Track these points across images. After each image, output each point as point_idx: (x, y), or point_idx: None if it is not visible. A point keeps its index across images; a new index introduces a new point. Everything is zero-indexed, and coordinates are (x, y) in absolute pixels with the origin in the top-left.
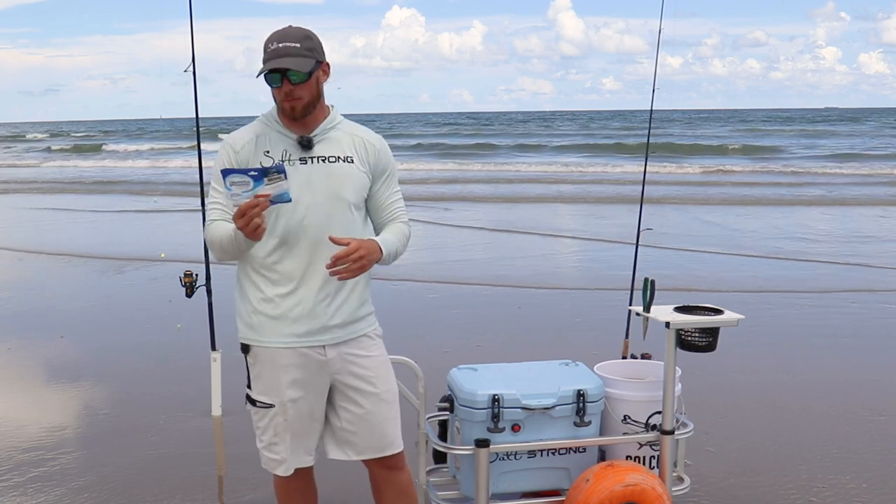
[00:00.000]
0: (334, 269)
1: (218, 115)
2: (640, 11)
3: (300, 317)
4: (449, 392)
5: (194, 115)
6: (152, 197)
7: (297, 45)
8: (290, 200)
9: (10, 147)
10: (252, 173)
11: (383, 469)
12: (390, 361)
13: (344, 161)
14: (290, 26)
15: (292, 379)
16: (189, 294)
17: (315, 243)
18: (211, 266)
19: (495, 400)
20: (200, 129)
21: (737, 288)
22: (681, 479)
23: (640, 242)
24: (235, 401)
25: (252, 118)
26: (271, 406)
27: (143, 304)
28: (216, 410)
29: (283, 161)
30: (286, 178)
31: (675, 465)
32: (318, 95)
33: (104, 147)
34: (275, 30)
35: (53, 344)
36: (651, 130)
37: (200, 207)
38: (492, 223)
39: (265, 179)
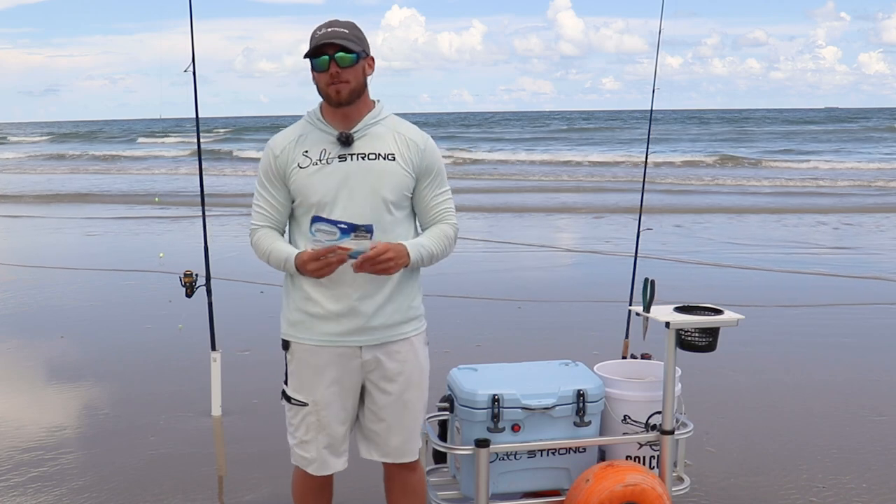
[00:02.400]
0: (360, 268)
1: (218, 115)
2: (639, 11)
3: (340, 316)
4: (449, 392)
5: (194, 115)
6: (154, 197)
7: (346, 31)
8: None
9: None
10: (342, 226)
11: (395, 467)
12: (427, 369)
13: (385, 158)
14: (336, 19)
15: (328, 378)
16: (189, 294)
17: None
18: (211, 266)
19: (495, 400)
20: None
21: (737, 288)
22: (681, 479)
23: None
24: (235, 401)
25: (252, 118)
26: (305, 404)
27: (143, 305)
28: (216, 410)
29: (321, 160)
30: (371, 237)
31: (675, 465)
32: (363, 87)
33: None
34: (319, 24)
35: (53, 344)
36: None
37: (200, 207)
38: (493, 213)
39: (352, 235)
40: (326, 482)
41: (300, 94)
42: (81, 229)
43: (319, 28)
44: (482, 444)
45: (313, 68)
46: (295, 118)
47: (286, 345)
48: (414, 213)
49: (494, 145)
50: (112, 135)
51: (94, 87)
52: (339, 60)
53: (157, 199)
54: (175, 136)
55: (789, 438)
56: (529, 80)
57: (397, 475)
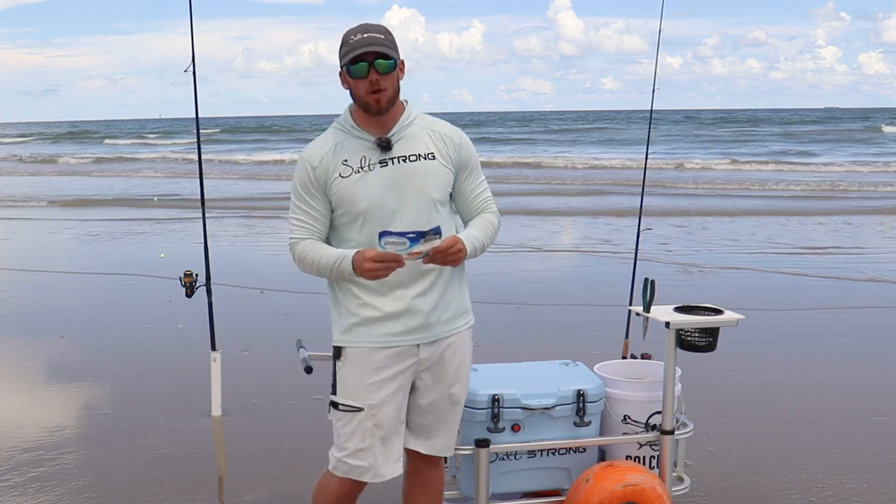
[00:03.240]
0: (432, 260)
1: (218, 115)
2: (639, 11)
3: (397, 316)
4: None
5: (194, 116)
6: (153, 196)
7: (382, 36)
8: (428, 254)
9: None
10: (410, 235)
11: (422, 461)
12: (471, 362)
13: (426, 158)
14: (367, 23)
15: (385, 379)
16: (189, 294)
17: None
18: (211, 266)
19: (495, 400)
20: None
21: (737, 287)
22: (681, 479)
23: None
24: (235, 401)
25: (251, 118)
26: (359, 410)
27: (143, 305)
28: (216, 410)
29: (362, 168)
30: (441, 237)
31: (675, 465)
32: (398, 92)
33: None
34: (350, 28)
35: (53, 344)
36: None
37: (200, 208)
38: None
39: (422, 240)
40: (360, 492)
41: (300, 94)
42: (80, 231)
43: (354, 33)
44: (482, 444)
45: (352, 75)
46: (295, 118)
47: (338, 352)
48: (452, 208)
49: (494, 145)
50: (101, 135)
51: (94, 87)
52: (378, 67)
53: (155, 198)
54: (164, 139)
55: (789, 438)
56: (529, 80)
57: (422, 470)
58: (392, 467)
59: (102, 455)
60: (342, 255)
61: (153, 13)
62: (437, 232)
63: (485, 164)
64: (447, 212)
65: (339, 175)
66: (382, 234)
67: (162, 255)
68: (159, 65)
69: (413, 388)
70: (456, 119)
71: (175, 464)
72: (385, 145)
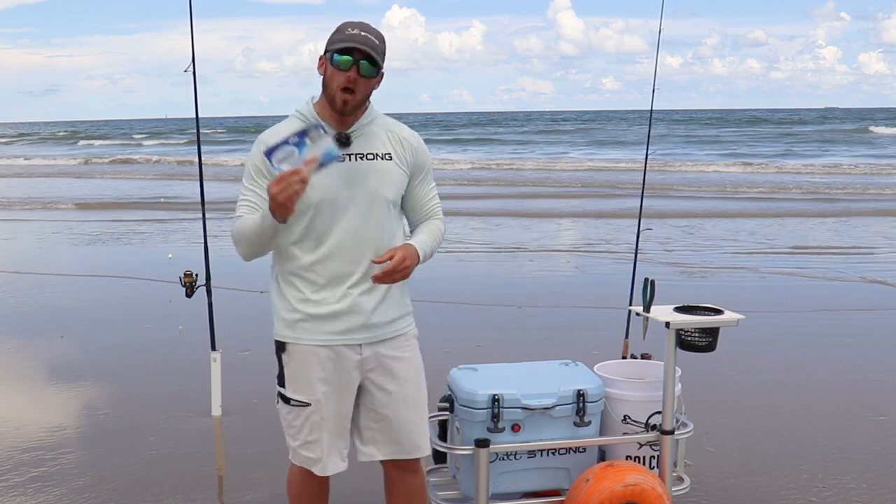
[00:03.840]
0: (381, 280)
1: (218, 115)
2: (639, 11)
3: (340, 315)
4: (449, 392)
5: (194, 116)
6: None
7: (377, 42)
8: (339, 156)
9: None
10: (293, 140)
11: (397, 469)
12: (422, 364)
13: (383, 158)
14: (368, 23)
15: (326, 376)
16: (189, 294)
17: (354, 242)
18: (211, 266)
19: (495, 400)
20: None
21: (737, 287)
22: (681, 479)
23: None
24: (235, 401)
25: (251, 118)
26: (307, 405)
27: (143, 305)
28: (216, 410)
29: None
30: (325, 132)
31: (675, 465)
32: (367, 99)
33: None
34: (350, 20)
35: (53, 344)
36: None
37: (200, 208)
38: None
39: (307, 141)
40: (325, 483)
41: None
42: (78, 233)
43: (352, 27)
44: (482, 444)
45: (333, 63)
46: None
47: (281, 347)
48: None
49: (494, 147)
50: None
51: (94, 87)
52: (361, 69)
53: (162, 199)
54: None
55: (789, 438)
56: (529, 80)
57: (398, 477)
58: (336, 463)
59: (102, 455)
60: (262, 213)
61: (153, 13)
62: (318, 126)
63: (486, 164)
64: (397, 213)
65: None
66: (268, 154)
67: (170, 256)
68: (159, 65)
69: (363, 391)
70: (456, 119)
71: (175, 464)
72: (344, 141)
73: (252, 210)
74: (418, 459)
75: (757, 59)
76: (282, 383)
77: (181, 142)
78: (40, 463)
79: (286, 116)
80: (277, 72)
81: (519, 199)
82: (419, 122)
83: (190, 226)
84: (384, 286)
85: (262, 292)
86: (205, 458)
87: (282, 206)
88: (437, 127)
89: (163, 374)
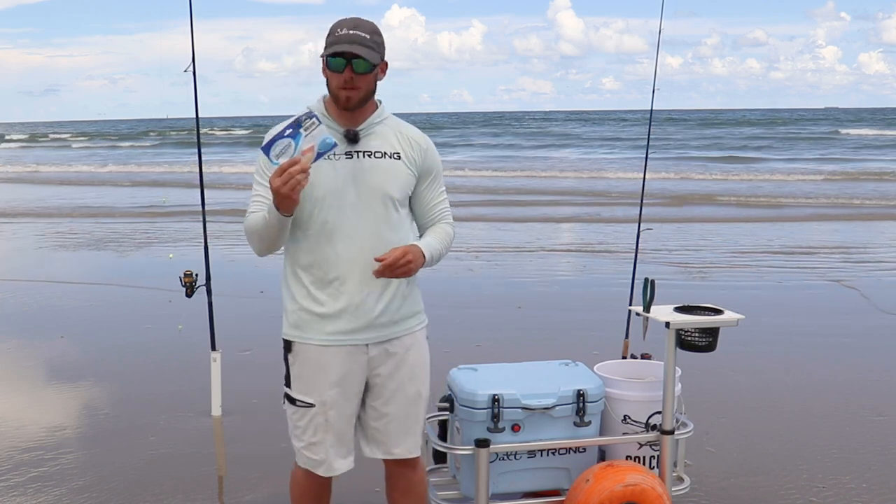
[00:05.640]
0: (381, 274)
1: (218, 115)
2: (639, 11)
3: (346, 314)
4: (449, 392)
5: (194, 116)
6: (162, 198)
7: (368, 36)
8: (335, 145)
9: None
10: (287, 132)
11: (399, 466)
12: (429, 364)
13: (391, 157)
14: (359, 18)
15: (334, 378)
16: (189, 294)
17: (360, 240)
18: (211, 266)
19: (495, 400)
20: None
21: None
22: (681, 479)
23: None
24: (235, 401)
25: (251, 118)
26: (311, 406)
27: (143, 304)
28: (216, 410)
29: (327, 156)
30: (319, 122)
31: (675, 465)
32: (373, 91)
33: None
34: (341, 18)
35: (53, 344)
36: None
37: (201, 209)
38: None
39: (302, 131)
40: (327, 484)
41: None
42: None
43: (341, 26)
44: (482, 444)
45: (328, 67)
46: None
47: (289, 346)
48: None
49: (494, 147)
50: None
51: (94, 87)
52: (355, 67)
53: (164, 199)
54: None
55: (789, 438)
56: (529, 80)
57: (399, 474)
58: (343, 462)
59: (102, 455)
60: (268, 207)
61: (153, 13)
62: (310, 116)
63: (485, 165)
64: (406, 213)
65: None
66: (265, 149)
67: (170, 256)
68: (159, 65)
69: (368, 389)
70: (457, 119)
71: (175, 464)
72: (352, 138)
73: (261, 207)
74: (418, 457)
75: (757, 59)
76: (288, 384)
77: (147, 144)
78: (40, 463)
79: (286, 117)
80: (277, 72)
81: (519, 198)
82: (419, 121)
83: (189, 227)
84: (391, 285)
85: (262, 291)
86: (205, 458)
87: (285, 199)
88: (438, 126)
89: (163, 374)
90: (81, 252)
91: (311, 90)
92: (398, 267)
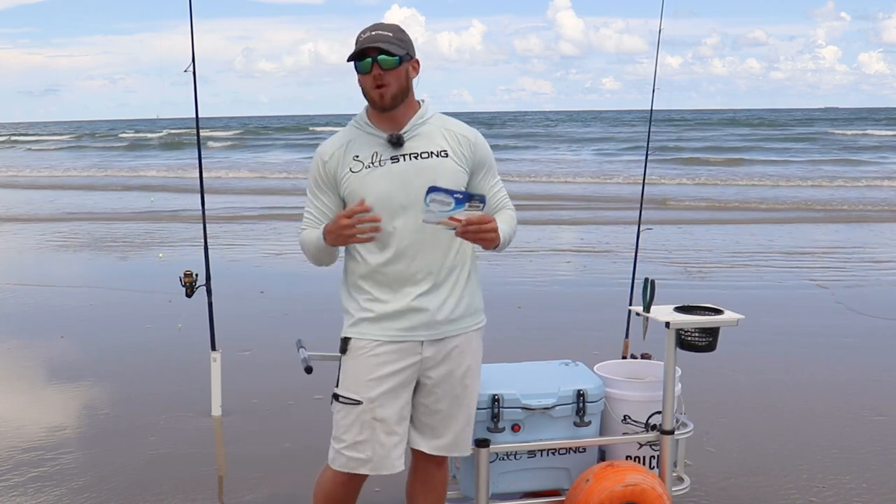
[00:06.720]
0: (464, 233)
1: (218, 115)
2: (639, 11)
3: (406, 312)
4: None
5: (194, 116)
6: (150, 197)
7: (390, 34)
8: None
9: None
10: (457, 196)
11: (426, 461)
12: (479, 364)
13: (438, 156)
14: (381, 22)
15: (385, 374)
16: (189, 294)
17: (417, 241)
18: (211, 266)
19: (495, 400)
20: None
21: (736, 286)
22: (681, 479)
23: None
24: (235, 401)
25: (251, 118)
26: (358, 402)
27: (143, 304)
28: (216, 410)
29: (373, 163)
30: (483, 208)
31: (675, 465)
32: (408, 89)
33: None
34: (363, 28)
35: (53, 344)
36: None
37: (201, 209)
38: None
39: (466, 205)
40: (357, 488)
41: (300, 94)
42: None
43: (364, 31)
44: (482, 444)
45: (357, 71)
46: (295, 118)
47: (345, 344)
48: None
49: (493, 147)
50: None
51: (94, 87)
52: (381, 63)
53: (151, 199)
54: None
55: (789, 438)
56: (529, 80)
57: (426, 469)
58: (393, 463)
59: (102, 455)
60: (319, 232)
61: (153, 13)
62: (482, 201)
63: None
64: None
65: (350, 170)
66: (430, 191)
67: (160, 256)
68: (159, 65)
69: (419, 386)
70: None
71: (175, 464)
72: (396, 142)
73: (312, 224)
74: (445, 456)
75: (757, 59)
76: (337, 383)
77: (119, 145)
78: (40, 463)
79: (286, 116)
80: (277, 72)
81: (519, 199)
82: None
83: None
84: (449, 284)
85: (262, 292)
86: (205, 458)
87: (339, 238)
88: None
89: (163, 374)
90: (81, 252)
91: (311, 90)
92: (483, 229)
